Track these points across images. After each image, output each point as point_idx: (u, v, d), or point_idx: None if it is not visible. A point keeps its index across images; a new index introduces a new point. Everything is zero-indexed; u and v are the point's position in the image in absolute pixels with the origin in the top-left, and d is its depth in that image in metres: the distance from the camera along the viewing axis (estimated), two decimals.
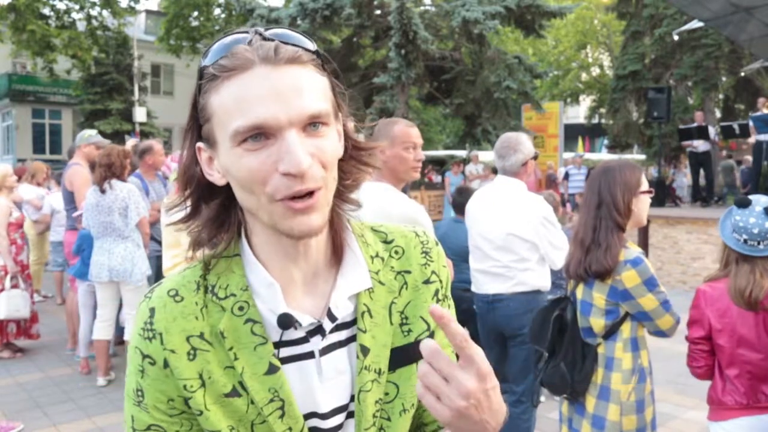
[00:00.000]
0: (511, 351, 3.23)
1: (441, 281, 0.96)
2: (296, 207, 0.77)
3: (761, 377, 2.22)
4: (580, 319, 2.47)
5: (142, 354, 0.83)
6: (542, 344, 2.56)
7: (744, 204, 2.28)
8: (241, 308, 0.83)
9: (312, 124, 0.77)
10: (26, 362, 5.50)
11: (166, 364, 0.82)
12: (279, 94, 0.75)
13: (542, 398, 2.71)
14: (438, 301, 0.96)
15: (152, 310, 0.84)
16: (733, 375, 2.26)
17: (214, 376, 0.82)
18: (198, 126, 0.83)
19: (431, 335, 0.93)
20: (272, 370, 0.82)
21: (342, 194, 0.88)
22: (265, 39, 0.79)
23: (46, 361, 5.50)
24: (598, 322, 2.40)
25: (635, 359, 2.38)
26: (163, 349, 0.82)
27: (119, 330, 5.28)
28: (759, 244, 2.21)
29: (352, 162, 0.89)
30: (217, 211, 0.86)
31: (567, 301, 2.54)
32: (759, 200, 2.28)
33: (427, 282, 0.94)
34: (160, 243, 5.22)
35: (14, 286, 5.42)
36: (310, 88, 0.78)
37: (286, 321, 0.82)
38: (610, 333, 2.39)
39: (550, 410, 4.17)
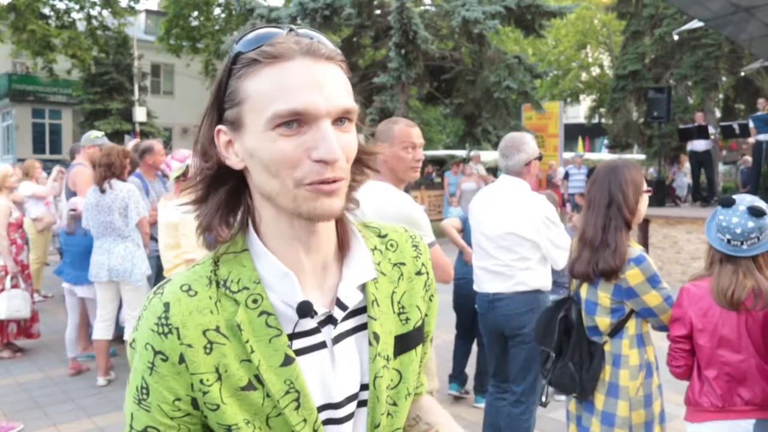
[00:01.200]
0: (511, 351, 3.23)
1: (428, 273, 1.03)
2: (324, 189, 0.80)
3: (739, 379, 2.20)
4: (586, 319, 2.48)
5: (155, 350, 0.82)
6: (548, 345, 2.57)
7: (728, 204, 2.26)
8: (255, 301, 0.84)
9: (340, 119, 0.81)
10: (26, 362, 5.50)
11: (181, 360, 0.82)
12: (319, 85, 0.79)
13: (543, 398, 2.70)
14: (426, 291, 1.02)
15: (167, 305, 0.83)
16: (712, 376, 2.24)
17: (231, 369, 0.82)
18: (221, 109, 0.84)
19: (423, 323, 1.00)
20: (288, 361, 0.83)
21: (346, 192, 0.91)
22: (298, 35, 0.83)
23: (46, 361, 5.50)
24: (603, 321, 2.41)
25: (642, 355, 2.40)
26: (180, 344, 0.82)
27: (119, 329, 5.28)
28: (742, 244, 2.19)
29: (357, 164, 0.91)
30: (227, 197, 0.87)
31: (571, 302, 2.55)
32: (743, 200, 2.26)
33: (418, 273, 1.01)
34: None
35: (14, 286, 5.42)
36: (343, 86, 0.83)
37: (305, 308, 0.83)
38: (616, 330, 2.41)
39: (550, 410, 4.17)
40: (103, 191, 4.55)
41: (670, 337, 2.36)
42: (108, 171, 4.56)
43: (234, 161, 0.84)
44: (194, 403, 0.83)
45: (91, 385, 4.85)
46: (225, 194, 0.87)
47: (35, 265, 7.58)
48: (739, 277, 2.17)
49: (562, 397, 2.71)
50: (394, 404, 0.94)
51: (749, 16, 9.75)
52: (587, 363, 2.43)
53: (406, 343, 0.95)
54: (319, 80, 0.79)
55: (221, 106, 0.84)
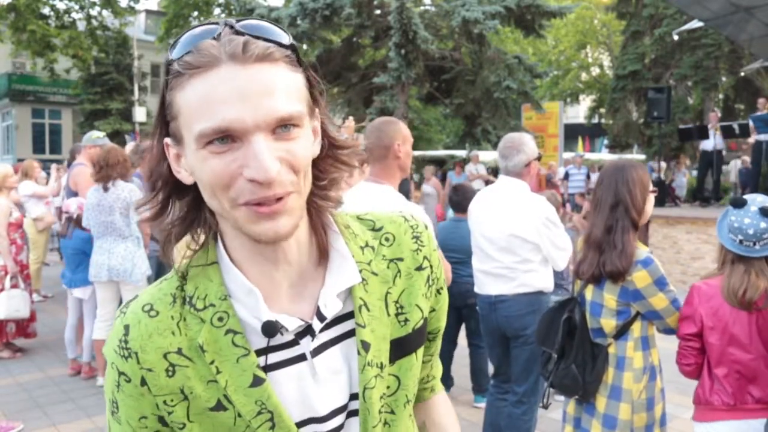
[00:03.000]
0: (513, 352, 3.22)
1: (432, 266, 0.94)
2: (261, 211, 0.74)
3: (749, 378, 2.19)
4: (590, 320, 2.46)
5: (118, 371, 0.81)
6: (550, 346, 2.55)
7: (740, 204, 2.25)
8: (220, 319, 0.79)
9: (283, 126, 0.73)
10: (26, 362, 5.49)
11: (143, 383, 0.80)
12: (246, 96, 0.71)
13: (545, 399, 2.69)
14: (430, 286, 0.93)
15: (126, 328, 0.81)
16: (722, 374, 2.23)
17: (196, 391, 0.79)
18: (166, 122, 0.79)
19: (425, 323, 0.92)
20: (257, 382, 0.79)
21: (320, 194, 0.85)
22: (236, 32, 0.74)
23: (46, 361, 5.50)
24: (609, 323, 2.40)
25: (646, 358, 2.39)
26: (139, 369, 0.79)
27: None
28: (755, 244, 2.18)
29: (329, 160, 0.85)
30: (187, 210, 0.83)
31: (575, 303, 2.53)
32: (755, 200, 2.24)
33: (419, 268, 0.92)
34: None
35: (14, 286, 5.41)
36: (281, 89, 0.73)
37: (270, 329, 0.78)
38: (621, 333, 2.39)
39: (550, 410, 4.16)
40: (106, 189, 4.56)
41: (679, 335, 2.34)
42: (113, 170, 4.56)
43: (184, 176, 0.79)
44: (162, 420, 0.82)
45: (91, 385, 4.85)
46: (185, 207, 0.83)
47: (35, 265, 7.58)
48: (751, 277, 2.16)
49: (562, 397, 2.70)
50: (392, 412, 0.88)
51: (749, 16, 9.74)
52: (590, 365, 2.41)
53: (404, 346, 0.88)
54: (246, 90, 0.71)
55: (166, 119, 0.78)
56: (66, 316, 5.60)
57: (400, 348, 0.88)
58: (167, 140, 0.79)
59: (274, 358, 0.81)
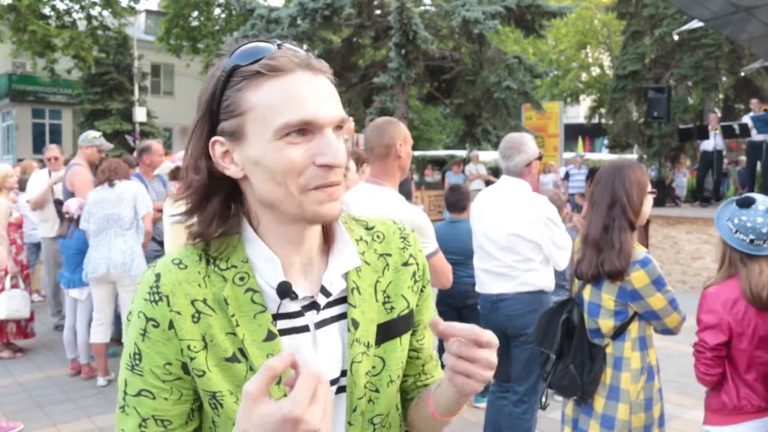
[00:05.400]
0: (514, 351, 3.23)
1: (418, 264, 1.05)
2: (328, 193, 0.86)
3: None
4: (588, 321, 2.46)
5: (146, 317, 0.87)
6: (548, 347, 2.54)
7: (747, 204, 2.25)
8: (241, 278, 0.89)
9: (338, 126, 0.88)
10: (26, 362, 5.50)
11: (171, 326, 0.87)
12: (321, 97, 0.85)
13: (543, 399, 2.69)
14: (416, 282, 1.04)
15: (158, 276, 0.89)
16: (752, 379, 2.23)
17: (216, 340, 0.87)
18: (212, 122, 0.88)
19: (410, 312, 1.02)
20: (270, 336, 0.88)
21: None
22: (290, 50, 0.89)
23: (46, 361, 5.50)
24: (606, 324, 2.40)
25: (643, 358, 2.38)
26: (169, 311, 0.87)
27: (119, 330, 5.28)
28: (765, 242, 2.19)
29: None
30: (221, 206, 0.91)
31: (573, 303, 2.53)
32: (762, 199, 2.26)
33: (405, 264, 1.03)
34: (159, 243, 5.23)
35: (14, 286, 5.41)
36: (336, 97, 0.90)
37: (285, 288, 0.87)
38: (619, 333, 2.39)
39: (549, 410, 4.16)
40: (112, 185, 4.63)
41: (705, 347, 2.30)
42: (125, 177, 4.72)
43: (233, 171, 0.88)
44: (184, 367, 0.88)
45: (91, 385, 4.85)
46: (219, 204, 0.91)
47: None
48: (765, 276, 2.17)
49: (561, 397, 2.70)
50: (376, 390, 0.96)
51: (749, 16, 9.74)
52: (588, 365, 2.40)
53: (389, 330, 0.98)
54: (320, 93, 0.86)
55: (215, 118, 0.87)
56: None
57: (386, 332, 0.98)
58: (218, 138, 0.87)
59: (281, 325, 0.90)
